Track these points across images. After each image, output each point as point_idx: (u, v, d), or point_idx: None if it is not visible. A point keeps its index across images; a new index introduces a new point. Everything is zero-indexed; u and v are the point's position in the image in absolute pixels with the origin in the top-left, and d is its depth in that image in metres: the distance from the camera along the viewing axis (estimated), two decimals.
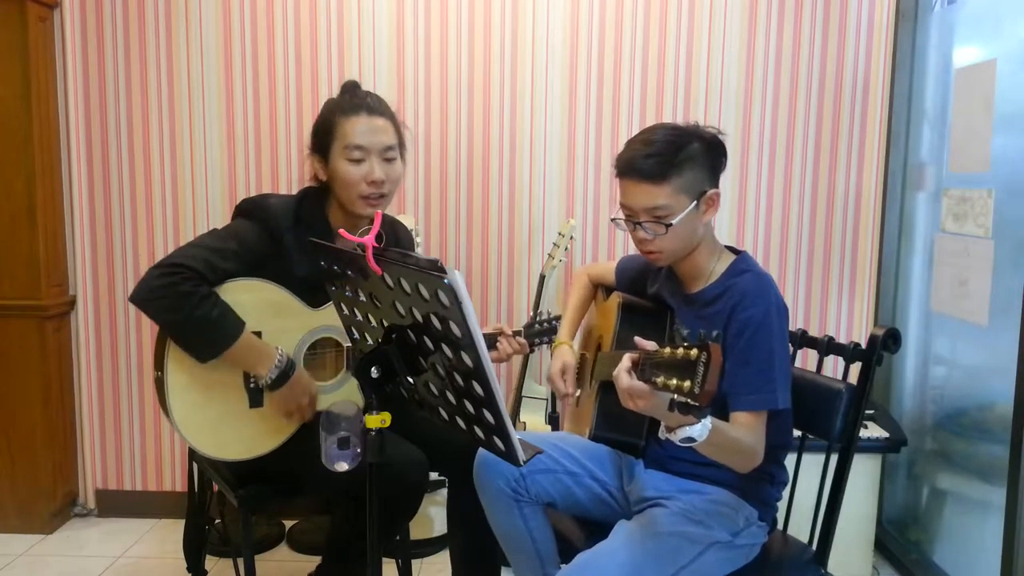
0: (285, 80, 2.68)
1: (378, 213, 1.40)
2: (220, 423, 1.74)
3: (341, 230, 1.40)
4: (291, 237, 1.75)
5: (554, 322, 1.95)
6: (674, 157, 1.47)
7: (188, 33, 2.67)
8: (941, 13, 2.54)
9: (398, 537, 2.11)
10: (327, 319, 1.80)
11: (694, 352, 1.09)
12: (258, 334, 1.73)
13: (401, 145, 1.83)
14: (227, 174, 2.72)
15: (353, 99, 1.79)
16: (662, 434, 1.28)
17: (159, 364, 1.71)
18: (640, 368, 1.19)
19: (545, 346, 2.00)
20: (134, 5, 2.66)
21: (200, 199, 2.73)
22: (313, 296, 1.78)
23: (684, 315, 1.60)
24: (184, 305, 1.62)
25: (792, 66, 2.66)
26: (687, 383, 1.09)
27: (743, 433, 1.42)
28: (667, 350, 1.14)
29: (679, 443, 1.25)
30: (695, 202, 1.49)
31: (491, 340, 1.86)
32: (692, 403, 1.10)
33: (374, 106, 1.79)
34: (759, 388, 1.44)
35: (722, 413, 1.44)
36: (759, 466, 1.53)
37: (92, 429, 2.83)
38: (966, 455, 2.37)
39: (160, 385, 1.71)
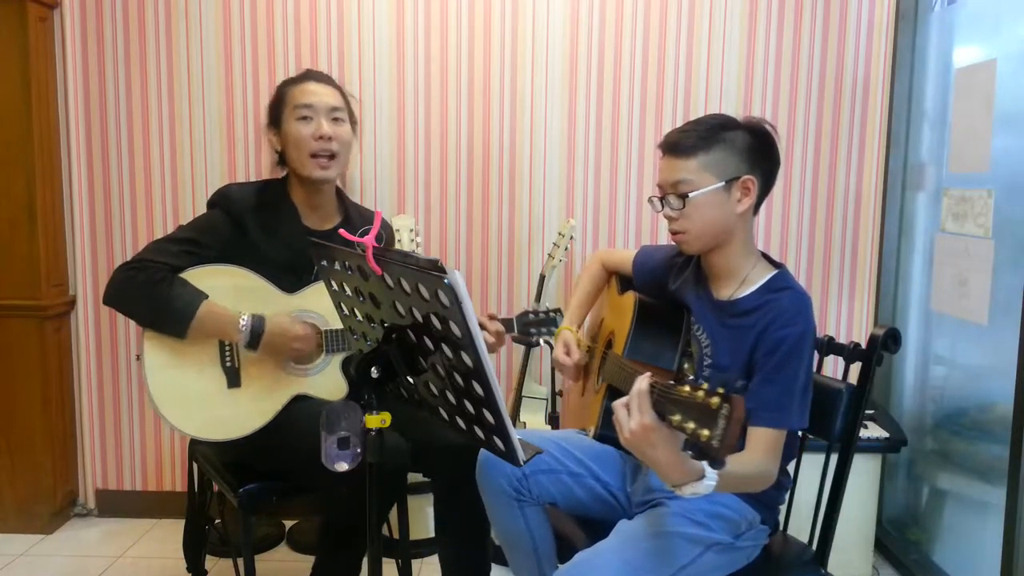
0: None
1: (378, 213, 1.40)
2: (199, 403, 1.78)
3: (341, 230, 1.41)
4: (253, 219, 1.84)
5: (552, 314, 1.92)
6: (706, 135, 1.49)
7: (188, 33, 2.67)
8: (941, 13, 2.54)
9: (398, 537, 2.12)
10: (303, 303, 1.85)
11: (715, 400, 1.03)
12: None
13: (351, 115, 1.95)
14: (227, 174, 2.72)
15: (303, 74, 1.98)
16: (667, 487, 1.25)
17: (140, 345, 1.79)
18: (654, 401, 1.15)
19: (543, 339, 1.98)
20: (134, 5, 2.66)
21: (200, 199, 2.73)
22: (288, 282, 1.85)
23: (707, 321, 1.57)
24: (141, 294, 1.72)
25: (792, 66, 2.66)
26: (705, 431, 1.03)
27: (751, 464, 1.40)
28: (686, 388, 1.08)
29: (687, 498, 1.23)
30: (722, 183, 1.48)
31: None
32: (711, 455, 1.04)
33: (321, 77, 1.95)
34: (779, 407, 1.43)
35: None
36: None
37: (92, 429, 2.83)
38: (966, 455, 2.37)
39: (141, 367, 1.78)
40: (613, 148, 2.69)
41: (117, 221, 2.75)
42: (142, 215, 2.74)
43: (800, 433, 1.67)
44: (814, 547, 1.62)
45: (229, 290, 1.79)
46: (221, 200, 1.88)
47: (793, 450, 1.60)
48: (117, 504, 2.86)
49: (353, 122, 1.96)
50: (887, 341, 1.54)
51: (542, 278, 2.52)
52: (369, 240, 1.24)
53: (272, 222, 1.86)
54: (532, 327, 1.92)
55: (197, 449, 2.05)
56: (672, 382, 1.12)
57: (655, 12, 2.64)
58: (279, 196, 1.91)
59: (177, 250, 1.79)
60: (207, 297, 1.76)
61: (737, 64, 2.65)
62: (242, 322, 1.75)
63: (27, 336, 2.64)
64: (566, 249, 2.51)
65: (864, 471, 2.35)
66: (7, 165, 2.58)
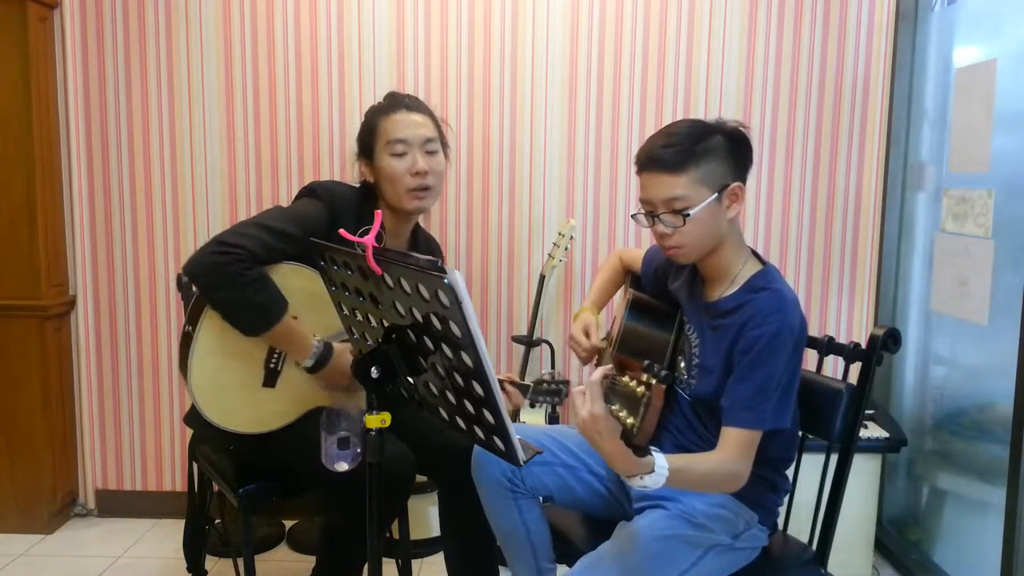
0: (285, 80, 2.68)
1: (378, 213, 1.40)
2: (230, 392, 1.75)
3: (341, 230, 1.41)
4: (349, 225, 1.78)
5: (562, 386, 1.90)
6: (693, 147, 1.46)
7: (188, 33, 2.67)
8: (941, 13, 2.54)
9: (398, 537, 2.12)
10: None
11: (641, 389, 1.07)
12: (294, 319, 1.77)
13: (443, 140, 1.93)
14: (227, 174, 2.72)
15: (391, 101, 1.92)
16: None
17: (193, 320, 1.73)
18: (604, 391, 1.19)
19: (548, 405, 2.01)
20: (134, 5, 2.66)
21: (200, 199, 2.73)
22: None
23: (696, 321, 1.59)
24: (232, 285, 1.66)
25: (792, 66, 2.66)
26: (631, 419, 1.08)
27: (718, 462, 1.41)
28: (625, 379, 1.12)
29: (637, 489, 1.26)
30: (716, 194, 1.47)
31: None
32: (630, 440, 1.10)
33: (411, 104, 1.91)
34: (752, 407, 1.43)
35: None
36: (761, 474, 1.52)
37: (92, 429, 2.83)
38: (966, 455, 2.37)
39: (187, 340, 1.73)
40: (613, 148, 2.69)
41: (117, 221, 2.75)
42: (142, 215, 2.74)
43: (800, 433, 1.67)
44: (814, 547, 1.62)
45: (304, 294, 1.75)
46: (327, 195, 1.84)
47: (792, 452, 1.60)
48: (117, 504, 2.86)
49: (445, 145, 1.94)
50: (887, 341, 1.54)
51: (542, 278, 2.52)
52: (369, 240, 1.25)
53: (363, 234, 1.82)
54: (542, 396, 1.91)
55: (197, 448, 2.05)
56: (624, 373, 1.16)
57: (655, 12, 2.64)
58: (372, 211, 1.86)
59: (272, 243, 1.72)
60: (287, 307, 1.72)
61: (737, 64, 2.65)
62: (313, 347, 1.73)
63: (27, 336, 2.64)
64: (566, 249, 2.51)
65: (864, 471, 2.35)
66: (7, 165, 2.58)
